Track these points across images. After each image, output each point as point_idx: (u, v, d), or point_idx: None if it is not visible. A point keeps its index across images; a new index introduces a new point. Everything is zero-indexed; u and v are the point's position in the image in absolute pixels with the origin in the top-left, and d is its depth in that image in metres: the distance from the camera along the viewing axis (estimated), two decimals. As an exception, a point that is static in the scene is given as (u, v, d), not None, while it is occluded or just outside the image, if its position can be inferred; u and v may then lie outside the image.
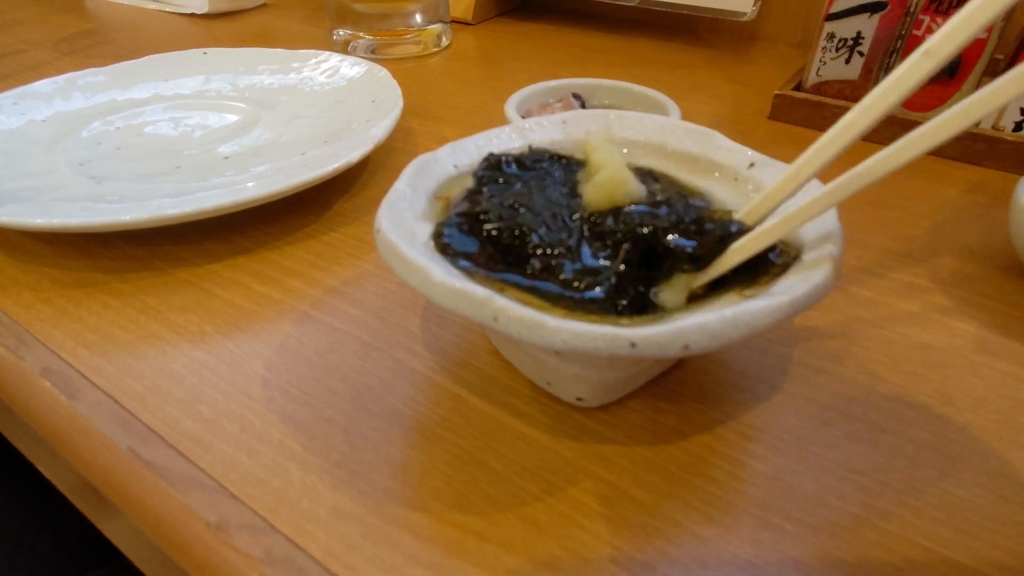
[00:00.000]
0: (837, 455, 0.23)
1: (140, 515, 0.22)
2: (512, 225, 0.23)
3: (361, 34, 0.59)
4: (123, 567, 0.45)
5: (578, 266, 0.22)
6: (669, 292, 0.22)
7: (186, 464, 0.23)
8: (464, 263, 0.22)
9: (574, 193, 0.26)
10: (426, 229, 0.23)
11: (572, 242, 0.23)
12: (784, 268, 0.22)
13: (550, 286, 0.22)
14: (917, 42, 0.42)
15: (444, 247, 0.23)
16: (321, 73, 0.50)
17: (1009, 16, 0.39)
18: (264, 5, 0.76)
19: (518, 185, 0.25)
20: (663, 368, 0.26)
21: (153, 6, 0.75)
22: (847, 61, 0.45)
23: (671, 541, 0.20)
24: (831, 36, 0.45)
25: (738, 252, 0.21)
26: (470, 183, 0.26)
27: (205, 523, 0.21)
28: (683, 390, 0.26)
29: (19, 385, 0.26)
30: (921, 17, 0.42)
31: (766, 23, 0.62)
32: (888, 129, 0.44)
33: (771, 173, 0.26)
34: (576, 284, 0.22)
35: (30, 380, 0.26)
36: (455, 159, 0.27)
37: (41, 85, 0.46)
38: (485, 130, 0.29)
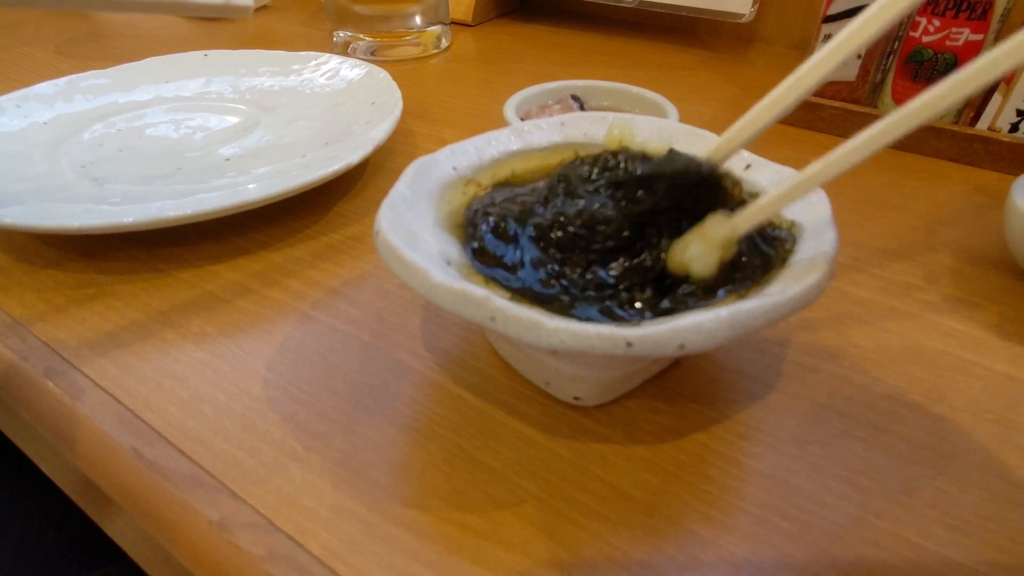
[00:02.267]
0: (832, 454, 0.23)
1: (143, 514, 0.23)
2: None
3: (361, 36, 0.60)
4: (125, 566, 0.45)
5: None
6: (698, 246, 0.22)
7: (188, 463, 0.23)
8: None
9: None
10: (427, 231, 0.24)
11: None
12: (782, 261, 0.23)
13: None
14: (914, 44, 0.42)
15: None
16: (321, 75, 0.50)
17: (1005, 18, 0.40)
18: (264, 7, 0.76)
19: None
20: (660, 368, 0.26)
21: (154, 8, 0.75)
22: (844, 62, 0.45)
23: (668, 539, 0.21)
24: (828, 37, 0.45)
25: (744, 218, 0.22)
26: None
27: (207, 521, 0.21)
28: (680, 389, 0.26)
29: (23, 386, 0.27)
30: (918, 19, 0.42)
31: (764, 25, 0.62)
32: (885, 130, 0.44)
33: (768, 174, 0.27)
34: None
35: (33, 381, 0.27)
36: (454, 161, 0.27)
37: (43, 87, 0.46)
38: (484, 132, 0.29)
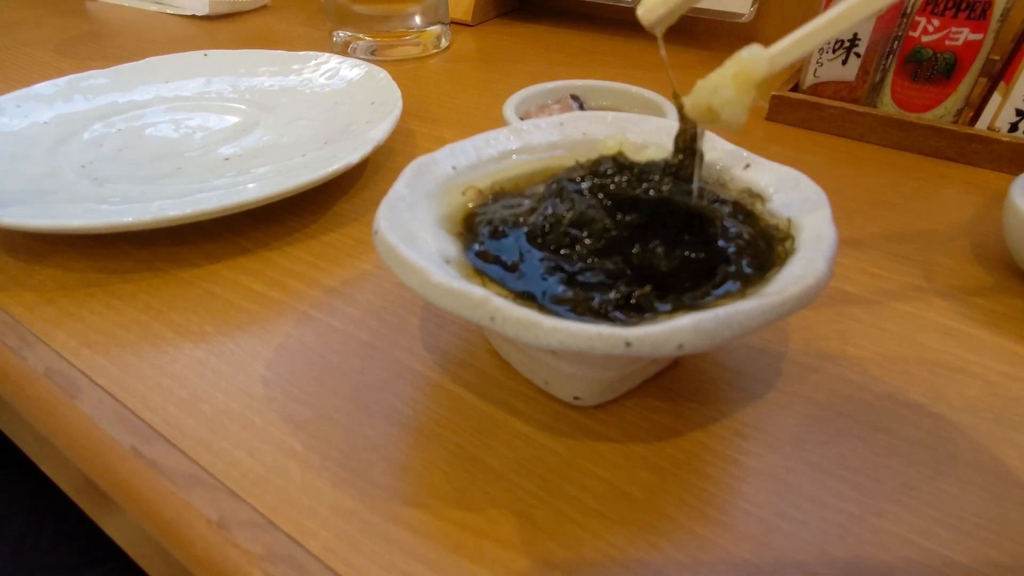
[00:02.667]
0: (831, 453, 0.23)
1: (142, 512, 0.23)
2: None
3: (361, 36, 0.60)
4: (124, 564, 0.45)
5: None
6: (731, 88, 0.20)
7: (188, 462, 0.23)
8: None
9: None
10: (426, 231, 0.24)
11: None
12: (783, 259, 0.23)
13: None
14: (914, 43, 0.42)
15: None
16: (321, 75, 0.50)
17: (1004, 17, 0.40)
18: (264, 7, 0.76)
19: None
20: (660, 367, 0.26)
21: (154, 8, 0.75)
22: (844, 62, 0.45)
23: (666, 537, 0.21)
24: (828, 37, 0.45)
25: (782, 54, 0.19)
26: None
27: (206, 520, 0.21)
28: (679, 388, 0.26)
29: (22, 385, 0.27)
30: (917, 19, 0.42)
31: (764, 25, 0.62)
32: (885, 128, 0.44)
33: (766, 174, 0.27)
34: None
35: (33, 380, 0.27)
36: (453, 160, 0.27)
37: (43, 87, 0.46)
38: (484, 131, 0.29)
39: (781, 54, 0.19)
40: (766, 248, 0.24)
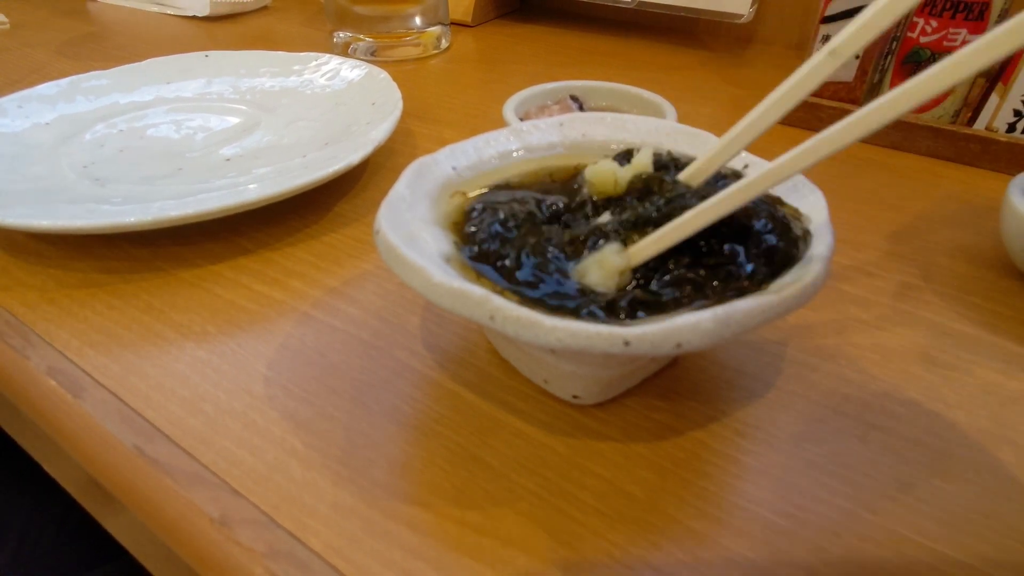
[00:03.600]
0: (829, 451, 0.23)
1: (144, 511, 0.23)
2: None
3: (361, 36, 0.60)
4: (127, 564, 0.45)
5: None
6: (597, 272, 0.22)
7: (190, 461, 0.23)
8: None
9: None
10: (427, 231, 0.24)
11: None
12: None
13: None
14: (912, 44, 0.43)
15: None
16: (321, 76, 0.50)
17: (1002, 18, 0.40)
18: (265, 8, 0.76)
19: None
20: (659, 366, 0.26)
21: (155, 9, 0.76)
22: (844, 65, 0.46)
23: (665, 535, 0.21)
24: (827, 38, 0.45)
25: (685, 223, 0.21)
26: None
27: (208, 518, 0.21)
28: (678, 387, 0.26)
29: (25, 384, 0.27)
30: (916, 19, 0.42)
31: (763, 25, 0.63)
32: (883, 129, 0.44)
33: (764, 174, 0.27)
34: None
35: (36, 379, 0.27)
36: (454, 161, 0.28)
37: (44, 88, 0.46)
38: (484, 132, 0.29)
39: (637, 252, 0.22)
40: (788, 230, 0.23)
